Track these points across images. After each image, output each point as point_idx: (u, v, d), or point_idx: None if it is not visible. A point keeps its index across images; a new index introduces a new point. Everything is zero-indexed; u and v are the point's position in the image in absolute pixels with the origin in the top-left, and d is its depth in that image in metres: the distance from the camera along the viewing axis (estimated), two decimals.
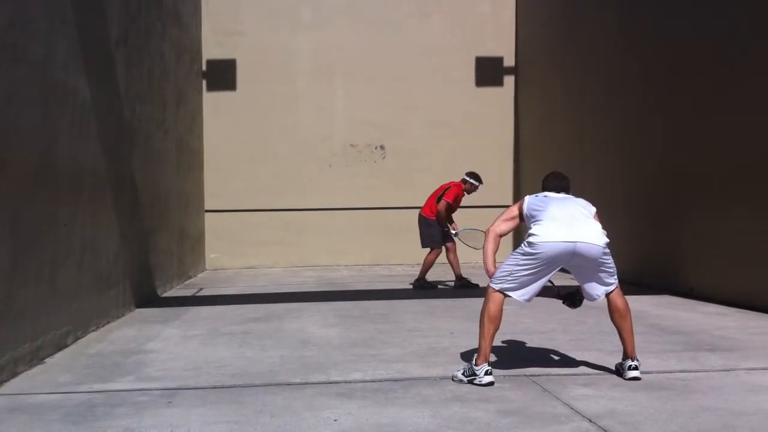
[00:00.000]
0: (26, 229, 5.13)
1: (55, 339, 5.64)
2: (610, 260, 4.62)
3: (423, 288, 10.01)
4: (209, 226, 13.97)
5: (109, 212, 7.18)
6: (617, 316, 4.71)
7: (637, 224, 9.68)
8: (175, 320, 7.35)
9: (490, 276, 4.71)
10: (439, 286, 10.24)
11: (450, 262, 10.05)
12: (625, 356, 4.68)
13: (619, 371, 4.71)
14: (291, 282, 11.41)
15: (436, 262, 10.15)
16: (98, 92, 6.81)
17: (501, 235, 4.82)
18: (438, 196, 10.06)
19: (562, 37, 12.37)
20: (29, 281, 5.17)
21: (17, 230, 4.97)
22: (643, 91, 9.62)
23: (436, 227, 9.97)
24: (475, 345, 4.70)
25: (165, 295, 9.78)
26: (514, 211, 4.87)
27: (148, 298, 8.81)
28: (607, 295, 4.69)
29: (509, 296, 4.61)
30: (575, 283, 4.77)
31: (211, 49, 14.01)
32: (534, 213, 4.69)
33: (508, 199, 13.75)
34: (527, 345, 5.79)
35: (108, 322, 7.05)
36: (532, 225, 4.65)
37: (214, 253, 14.03)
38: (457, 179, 10.33)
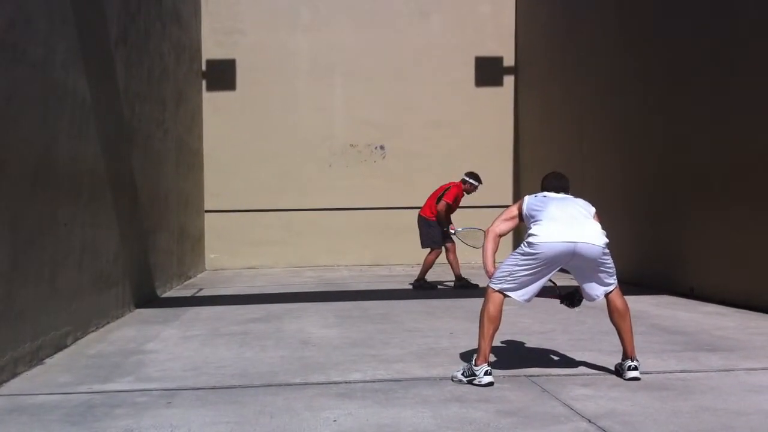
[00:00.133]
0: (26, 229, 5.13)
1: (55, 339, 5.64)
2: (609, 260, 4.62)
3: (423, 288, 10.02)
4: (209, 226, 13.97)
5: (108, 212, 7.18)
6: (616, 317, 4.71)
7: (637, 224, 9.69)
8: (175, 321, 7.35)
9: (490, 276, 4.71)
10: (439, 287, 10.24)
11: (450, 262, 10.05)
12: (625, 356, 4.68)
13: (618, 371, 4.70)
14: (291, 282, 11.41)
15: (435, 262, 10.15)
16: (98, 92, 6.81)
17: (500, 235, 4.82)
18: (438, 196, 10.06)
19: (562, 37, 12.37)
20: (29, 281, 5.17)
21: (17, 230, 4.97)
22: (643, 91, 9.62)
23: (435, 227, 9.98)
24: (475, 345, 4.70)
25: (165, 295, 9.78)
26: (513, 211, 4.87)
27: (148, 299, 8.81)
28: (607, 295, 4.68)
29: (509, 296, 4.61)
30: (575, 283, 4.76)
31: (211, 49, 14.02)
32: (533, 213, 4.69)
33: (508, 199, 13.75)
34: (527, 345, 5.78)
35: (108, 323, 7.05)
36: (531, 225, 4.65)
37: (213, 253, 14.03)
38: (457, 179, 10.33)
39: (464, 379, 4.54)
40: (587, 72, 11.23)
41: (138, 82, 8.58)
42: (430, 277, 10.29)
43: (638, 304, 7.15)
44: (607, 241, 4.59)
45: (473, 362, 4.55)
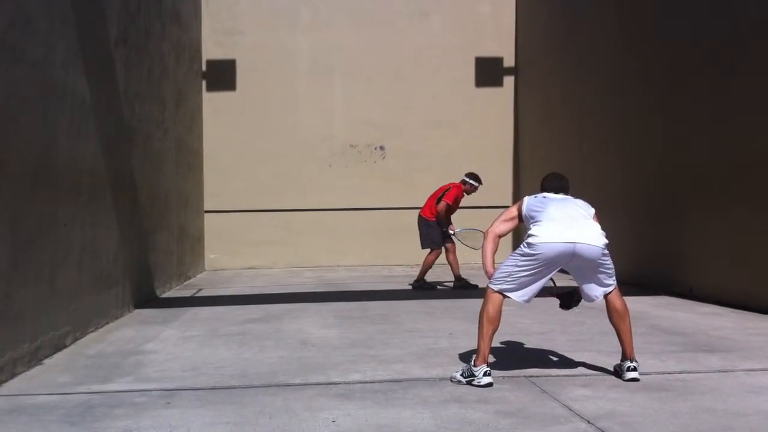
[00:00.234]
0: (26, 229, 5.13)
1: (54, 339, 5.64)
2: (609, 261, 4.62)
3: (422, 289, 10.02)
4: (209, 226, 13.97)
5: (108, 212, 7.18)
6: (616, 317, 4.71)
7: (636, 224, 9.68)
8: (174, 321, 7.35)
9: (489, 277, 4.71)
10: (438, 287, 10.24)
11: (450, 262, 10.05)
12: (624, 357, 4.67)
13: (617, 372, 4.70)
14: (290, 282, 11.41)
15: (435, 263, 10.15)
16: (98, 92, 6.81)
17: (500, 236, 4.82)
18: (438, 197, 10.06)
19: (562, 38, 12.37)
20: (29, 281, 5.17)
21: (17, 230, 4.97)
22: (643, 91, 9.62)
23: (435, 228, 9.98)
24: (474, 346, 4.70)
25: (164, 295, 9.78)
26: (513, 211, 4.87)
27: (148, 299, 8.81)
28: (606, 296, 4.68)
29: (508, 297, 4.61)
30: (574, 283, 4.76)
31: (211, 49, 14.02)
32: (533, 214, 4.68)
33: (508, 199, 13.75)
34: (526, 346, 5.78)
35: (107, 323, 7.05)
36: (531, 226, 4.65)
37: (213, 254, 14.03)
38: (457, 179, 10.33)
39: (463, 380, 4.54)
40: (587, 72, 11.23)
41: (138, 82, 8.58)
42: (430, 277, 10.28)
43: (637, 304, 7.15)
44: (607, 241, 4.59)
45: (472, 363, 4.55)
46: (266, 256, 14.08)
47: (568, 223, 4.56)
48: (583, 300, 4.79)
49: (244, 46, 14.15)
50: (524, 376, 4.74)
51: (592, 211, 4.78)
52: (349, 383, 4.65)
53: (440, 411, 3.98)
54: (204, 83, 13.93)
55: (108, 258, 7.16)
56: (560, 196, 4.84)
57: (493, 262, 4.78)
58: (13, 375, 4.84)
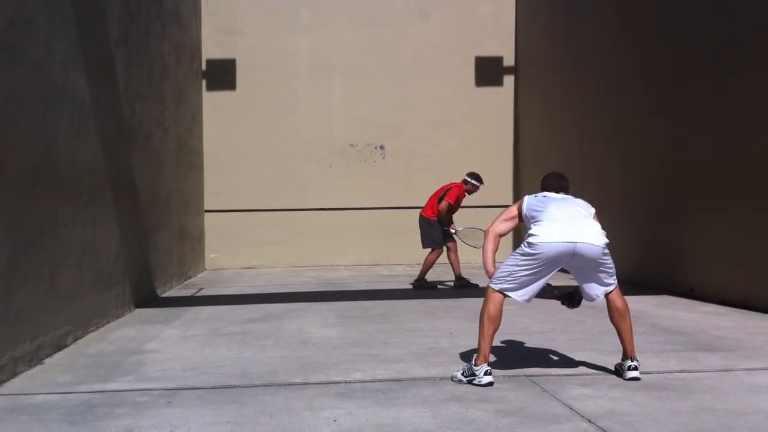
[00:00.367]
0: (26, 228, 5.13)
1: (55, 339, 5.64)
2: (609, 260, 4.62)
3: (423, 288, 10.02)
4: (209, 226, 13.97)
5: (108, 212, 7.18)
6: (616, 316, 4.71)
7: (637, 224, 9.68)
8: (175, 320, 7.35)
9: (490, 276, 4.71)
10: (439, 287, 10.24)
11: (451, 262, 10.06)
12: (625, 356, 4.68)
13: (618, 371, 4.71)
14: (291, 282, 11.41)
15: (436, 262, 10.16)
16: (98, 92, 6.81)
17: (500, 235, 4.82)
18: (439, 196, 10.08)
19: (562, 37, 12.37)
20: (29, 281, 5.17)
21: (17, 230, 4.97)
22: (643, 91, 9.62)
23: (437, 227, 9.99)
24: (475, 345, 4.70)
25: (165, 295, 9.78)
26: (513, 211, 4.87)
27: (148, 298, 8.81)
28: (607, 295, 4.69)
29: (509, 296, 4.61)
30: (574, 283, 4.76)
31: (211, 49, 14.02)
32: (533, 213, 4.69)
33: (508, 199, 13.74)
34: (526, 345, 5.79)
35: (108, 322, 7.05)
36: (531, 225, 4.65)
37: (214, 253, 14.03)
38: (457, 179, 10.34)
39: (464, 379, 4.54)
40: (587, 72, 11.23)
41: (138, 81, 8.58)
42: (430, 277, 10.29)
43: (638, 304, 7.15)
44: (607, 241, 4.59)
45: (473, 362, 4.55)
46: (267, 256, 14.08)
47: (569, 223, 4.56)
48: (584, 299, 4.80)
49: (245, 46, 14.15)
50: (525, 375, 4.74)
51: (593, 210, 4.78)
52: (349, 382, 4.65)
53: (441, 410, 3.99)
54: (204, 83, 13.93)
55: (108, 258, 7.16)
56: (561, 195, 4.84)
57: (494, 262, 4.78)
58: (13, 374, 4.84)
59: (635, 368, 4.60)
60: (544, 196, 4.82)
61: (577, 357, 5.26)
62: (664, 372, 4.80)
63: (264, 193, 14.04)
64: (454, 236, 10.00)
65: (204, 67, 13.91)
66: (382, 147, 14.44)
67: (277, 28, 14.32)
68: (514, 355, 5.34)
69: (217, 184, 13.94)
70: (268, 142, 14.12)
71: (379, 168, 14.40)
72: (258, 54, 14.14)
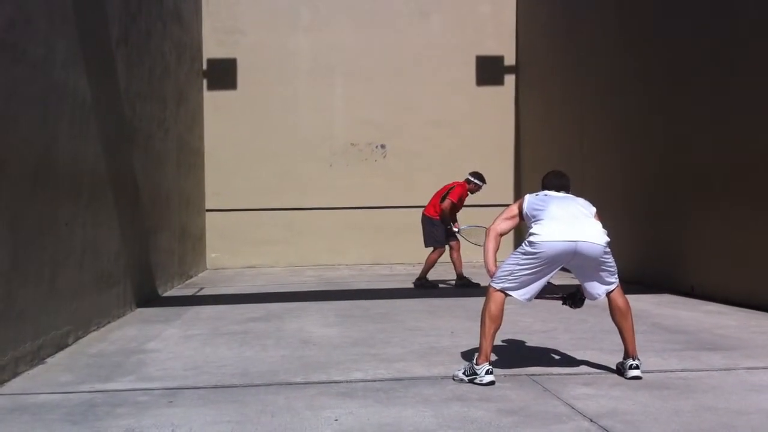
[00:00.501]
0: (26, 228, 5.13)
1: (56, 339, 5.64)
2: (610, 259, 4.62)
3: (424, 287, 10.02)
4: (210, 226, 13.98)
5: (109, 212, 7.18)
6: (618, 315, 4.71)
7: (637, 224, 9.69)
8: (176, 320, 7.35)
9: (491, 275, 4.71)
10: (440, 286, 10.24)
11: (453, 260, 10.07)
12: (626, 355, 4.67)
13: (620, 370, 4.71)
14: (291, 281, 11.42)
15: (438, 261, 10.16)
16: (98, 92, 6.81)
17: (501, 234, 4.82)
18: (442, 195, 10.09)
19: (563, 37, 12.37)
20: (30, 281, 5.17)
21: (17, 230, 4.97)
22: (643, 91, 9.62)
23: (439, 226, 10.00)
24: (476, 344, 4.70)
25: (166, 294, 9.78)
26: (514, 209, 4.87)
27: (149, 298, 8.81)
28: (608, 294, 4.68)
29: (510, 296, 4.61)
30: (576, 282, 4.76)
31: (212, 49, 14.03)
32: (534, 212, 4.68)
33: (509, 198, 13.73)
34: (528, 344, 5.79)
35: (109, 322, 7.05)
36: (532, 224, 4.65)
37: (214, 253, 14.04)
38: (458, 178, 10.35)
39: (465, 378, 4.54)
40: (587, 72, 11.23)
41: (139, 81, 8.58)
42: (432, 276, 10.29)
43: (639, 303, 7.15)
44: (608, 240, 4.59)
45: (474, 361, 4.55)
46: (267, 255, 14.08)
47: (570, 222, 4.56)
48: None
49: (245, 46, 14.16)
50: (526, 374, 4.74)
51: (594, 209, 4.78)
52: (350, 382, 4.65)
53: (442, 409, 3.99)
54: (205, 82, 13.94)
55: (109, 257, 7.16)
56: (561, 194, 4.84)
57: (495, 261, 4.78)
58: (15, 374, 4.85)
59: (637, 367, 4.60)
60: (545, 195, 4.82)
61: (578, 356, 5.26)
62: (665, 371, 4.80)
63: (265, 192, 14.05)
64: (458, 234, 10.02)
65: (205, 66, 13.92)
66: (382, 146, 14.45)
67: (277, 28, 14.33)
68: (516, 354, 5.34)
69: (218, 183, 13.94)
70: (269, 141, 14.12)
71: (380, 167, 14.40)
72: (258, 54, 14.15)
